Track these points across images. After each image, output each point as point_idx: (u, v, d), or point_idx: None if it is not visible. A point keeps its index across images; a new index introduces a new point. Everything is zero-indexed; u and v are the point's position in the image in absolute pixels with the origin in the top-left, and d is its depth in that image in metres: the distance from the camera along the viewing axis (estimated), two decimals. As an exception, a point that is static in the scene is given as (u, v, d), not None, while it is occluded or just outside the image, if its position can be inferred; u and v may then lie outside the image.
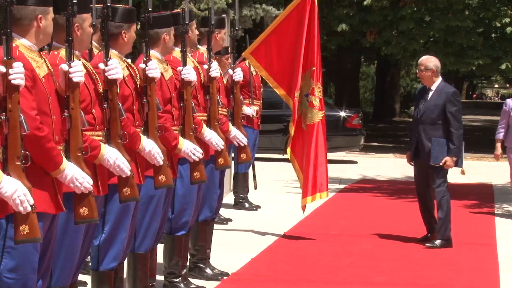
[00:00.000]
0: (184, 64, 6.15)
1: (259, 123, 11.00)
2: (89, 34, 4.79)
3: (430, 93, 8.75)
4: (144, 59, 5.52)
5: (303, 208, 9.19)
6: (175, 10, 6.51)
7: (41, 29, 4.28)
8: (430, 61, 8.83)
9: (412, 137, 8.93)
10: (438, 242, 8.67)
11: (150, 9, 5.58)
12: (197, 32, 6.64)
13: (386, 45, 22.45)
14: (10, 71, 3.98)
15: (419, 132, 8.70)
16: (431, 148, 8.56)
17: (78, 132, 4.47)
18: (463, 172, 8.96)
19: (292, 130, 9.00)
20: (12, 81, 3.98)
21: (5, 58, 4.00)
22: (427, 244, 8.69)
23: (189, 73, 6.13)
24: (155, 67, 5.49)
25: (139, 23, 5.69)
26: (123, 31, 5.27)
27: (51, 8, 4.33)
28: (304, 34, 8.93)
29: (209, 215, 7.17)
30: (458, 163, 8.64)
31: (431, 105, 8.69)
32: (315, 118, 8.98)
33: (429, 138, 8.60)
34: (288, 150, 9.08)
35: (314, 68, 8.96)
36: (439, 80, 8.80)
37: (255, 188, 11.44)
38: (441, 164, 8.54)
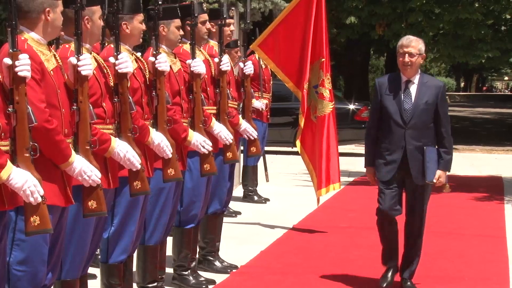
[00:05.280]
0: (193, 56, 6.15)
1: (268, 116, 11.00)
2: (100, 26, 4.79)
3: (413, 87, 6.50)
4: (154, 52, 5.52)
5: (318, 200, 9.20)
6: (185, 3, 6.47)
7: (49, 22, 4.28)
8: (422, 43, 6.55)
9: (392, 147, 6.50)
10: (410, 282, 6.85)
11: (160, 2, 5.56)
12: (208, 26, 6.61)
13: (395, 38, 22.39)
14: (17, 63, 3.98)
15: (407, 140, 6.46)
16: (426, 160, 6.44)
17: (86, 125, 4.48)
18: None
19: (302, 122, 8.98)
20: (19, 73, 3.98)
21: (10, 50, 4.00)
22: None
23: (198, 66, 6.13)
24: (164, 61, 5.49)
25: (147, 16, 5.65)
26: (123, 22, 5.23)
27: (60, 1, 4.32)
28: (312, 25, 8.91)
29: (219, 208, 7.18)
30: (428, 177, 6.46)
31: (421, 103, 6.45)
32: (325, 109, 8.97)
33: (420, 148, 6.45)
34: (298, 142, 9.05)
35: (323, 59, 8.94)
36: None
37: (267, 181, 11.46)
38: (434, 180, 6.47)
